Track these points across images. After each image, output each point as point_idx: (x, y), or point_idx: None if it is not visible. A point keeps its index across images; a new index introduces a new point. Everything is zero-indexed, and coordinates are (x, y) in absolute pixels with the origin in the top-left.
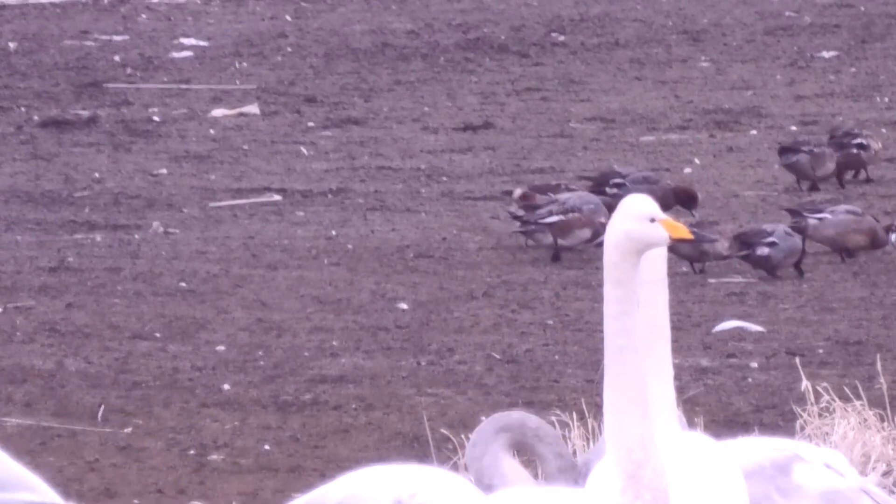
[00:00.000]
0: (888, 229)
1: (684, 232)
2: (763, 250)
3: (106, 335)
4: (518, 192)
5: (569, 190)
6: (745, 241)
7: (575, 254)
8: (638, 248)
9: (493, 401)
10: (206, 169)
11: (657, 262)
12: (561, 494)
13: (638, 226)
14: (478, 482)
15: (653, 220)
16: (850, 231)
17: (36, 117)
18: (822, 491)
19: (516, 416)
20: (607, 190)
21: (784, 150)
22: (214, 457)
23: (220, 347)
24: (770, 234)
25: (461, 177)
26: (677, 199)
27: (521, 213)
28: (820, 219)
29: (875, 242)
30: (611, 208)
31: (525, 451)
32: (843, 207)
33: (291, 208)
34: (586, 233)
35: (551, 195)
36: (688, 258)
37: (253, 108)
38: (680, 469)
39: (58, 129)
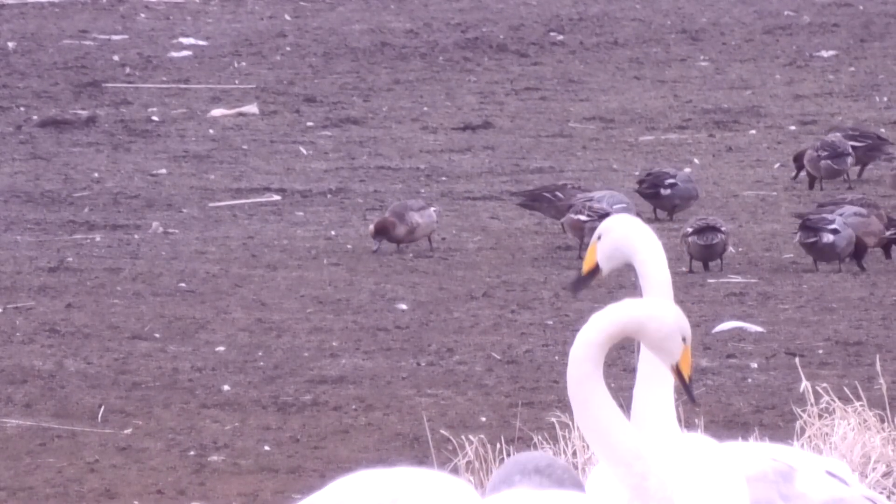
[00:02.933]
0: (888, 225)
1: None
2: (828, 237)
3: (106, 335)
4: (372, 227)
5: (577, 189)
6: (810, 228)
7: (574, 254)
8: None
9: (493, 401)
10: (205, 169)
11: (663, 266)
12: (562, 498)
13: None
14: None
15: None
16: (860, 234)
17: (35, 117)
18: (826, 499)
19: (547, 457)
20: (661, 191)
21: (837, 156)
22: (214, 457)
23: (220, 348)
24: (832, 221)
25: (460, 177)
26: None
27: (377, 243)
28: (833, 231)
29: (881, 241)
30: (663, 208)
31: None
32: (850, 210)
33: (291, 208)
34: None
35: (559, 194)
36: (696, 258)
37: (252, 108)
38: (683, 472)
39: (57, 128)
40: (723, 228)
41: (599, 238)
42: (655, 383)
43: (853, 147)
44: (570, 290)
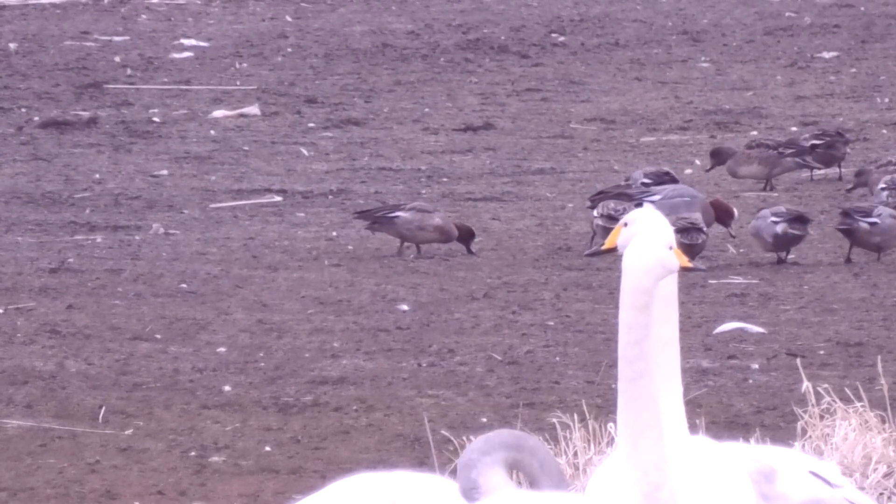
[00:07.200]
0: None
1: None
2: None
3: (107, 336)
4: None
5: (645, 185)
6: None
7: (575, 254)
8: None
9: (494, 402)
10: (206, 170)
11: (670, 279)
12: (560, 499)
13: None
14: (464, 494)
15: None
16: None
17: (36, 118)
18: (805, 500)
19: (513, 434)
20: None
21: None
22: (215, 458)
23: (221, 349)
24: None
25: (461, 178)
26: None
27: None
28: (871, 223)
29: None
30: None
31: (521, 471)
32: (887, 211)
33: (292, 209)
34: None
35: (628, 192)
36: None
37: (253, 109)
38: (693, 480)
39: (58, 130)
40: (704, 228)
41: (626, 225)
42: (666, 395)
43: (814, 145)
44: (587, 254)
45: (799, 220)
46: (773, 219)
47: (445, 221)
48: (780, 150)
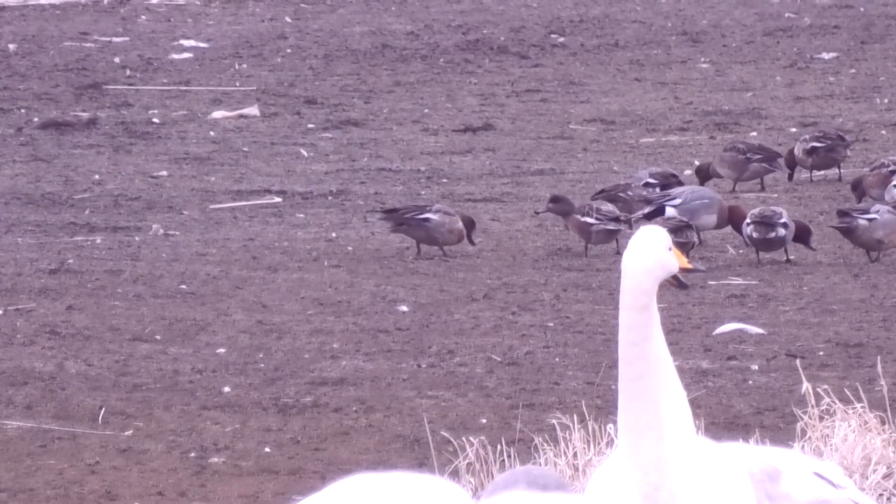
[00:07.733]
0: None
1: (686, 262)
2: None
3: (106, 337)
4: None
5: (649, 186)
6: (845, 213)
7: (575, 255)
8: (664, 276)
9: (494, 403)
10: (206, 171)
11: (626, 283)
12: (559, 501)
13: (667, 255)
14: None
15: (669, 249)
16: (893, 232)
17: (36, 119)
18: (810, 500)
19: (539, 470)
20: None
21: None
22: (215, 459)
23: (221, 350)
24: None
25: (461, 178)
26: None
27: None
28: (870, 220)
29: None
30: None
31: None
32: (885, 208)
33: (291, 210)
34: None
35: (630, 194)
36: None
37: (253, 110)
38: (694, 480)
39: (58, 130)
40: (693, 225)
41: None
42: (671, 402)
43: (815, 148)
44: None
45: (763, 223)
46: (749, 219)
47: (462, 221)
48: (748, 155)
